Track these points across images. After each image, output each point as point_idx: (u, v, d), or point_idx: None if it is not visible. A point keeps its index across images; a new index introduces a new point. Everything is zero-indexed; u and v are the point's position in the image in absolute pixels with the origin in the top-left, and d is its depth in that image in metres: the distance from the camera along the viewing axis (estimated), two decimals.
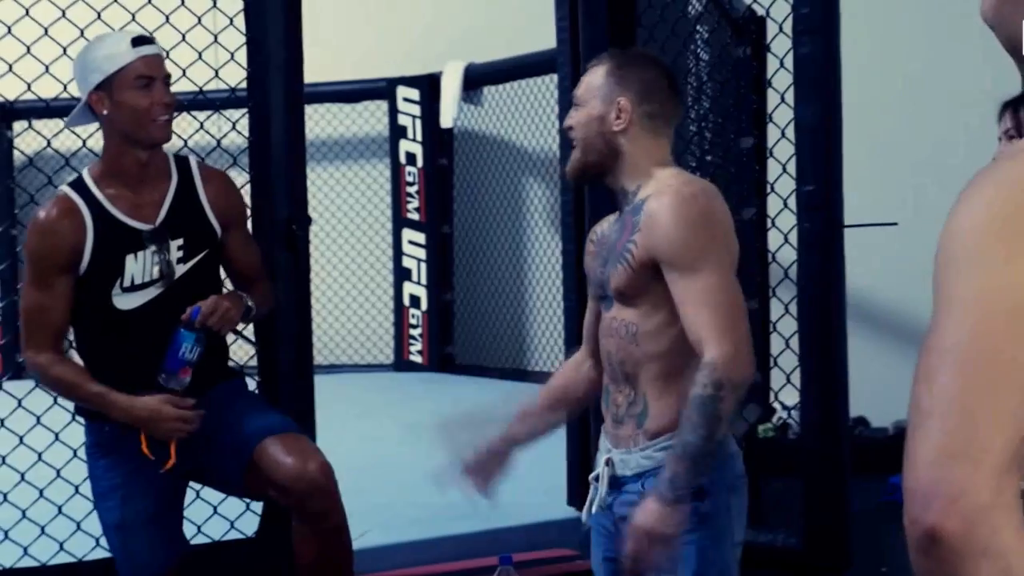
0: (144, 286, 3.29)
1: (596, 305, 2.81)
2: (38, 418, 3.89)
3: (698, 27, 4.75)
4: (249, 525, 3.94)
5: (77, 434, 3.73)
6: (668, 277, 2.54)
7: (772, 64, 4.22)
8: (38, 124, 7.40)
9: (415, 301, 9.50)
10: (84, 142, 3.91)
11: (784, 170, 4.01)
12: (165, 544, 3.39)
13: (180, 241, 3.31)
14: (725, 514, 2.62)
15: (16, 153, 9.17)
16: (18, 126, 9.56)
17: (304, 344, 3.86)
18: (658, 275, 2.56)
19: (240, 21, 3.84)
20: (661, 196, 2.56)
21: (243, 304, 3.31)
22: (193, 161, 3.44)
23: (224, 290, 3.44)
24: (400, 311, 9.57)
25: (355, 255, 9.80)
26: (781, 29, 3.98)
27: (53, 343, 3.30)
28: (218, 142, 4.04)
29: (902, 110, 7.08)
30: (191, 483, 3.52)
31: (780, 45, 4.11)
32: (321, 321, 9.18)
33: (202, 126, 4.09)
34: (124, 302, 3.29)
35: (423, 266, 9.47)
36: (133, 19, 3.80)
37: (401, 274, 9.55)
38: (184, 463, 3.31)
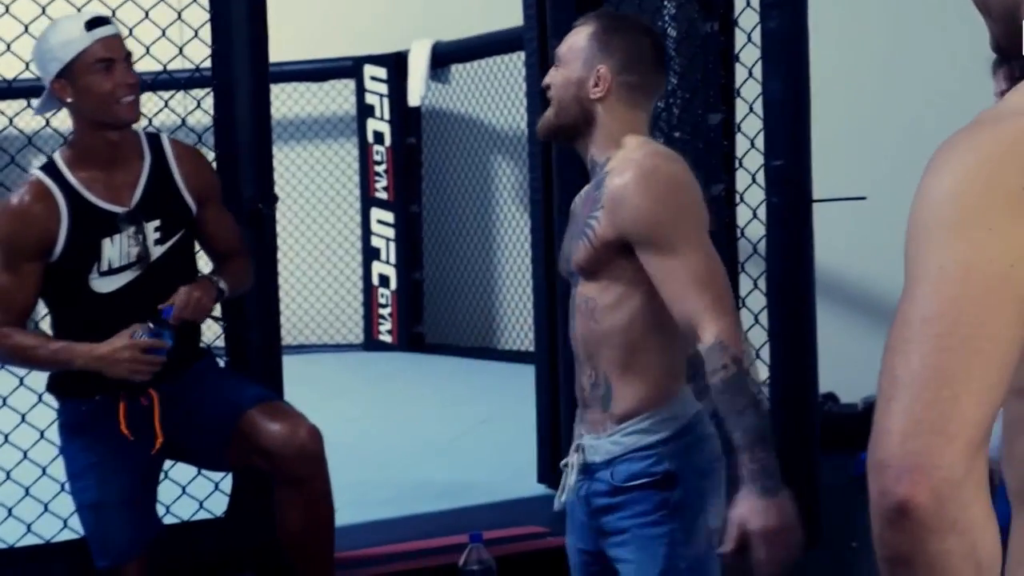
0: (121, 269, 3.26)
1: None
2: (4, 399, 3.86)
3: (665, 2, 4.73)
4: (218, 505, 3.92)
5: (44, 415, 3.70)
6: (642, 257, 2.46)
7: (740, 39, 4.21)
8: (1, 104, 7.31)
9: (384, 280, 9.48)
10: (48, 122, 3.87)
11: (752, 145, 4.00)
12: (140, 524, 3.38)
13: (157, 222, 3.29)
14: (697, 502, 2.53)
15: None
16: None
17: (271, 323, 3.85)
18: (621, 253, 2.49)
19: None
20: (624, 172, 2.49)
21: (215, 290, 3.30)
22: (165, 139, 3.41)
23: (198, 271, 3.42)
24: (369, 290, 9.55)
25: (323, 235, 9.76)
26: (748, 4, 3.97)
27: (16, 320, 3.26)
28: (183, 120, 4.01)
29: (871, 84, 7.08)
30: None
31: (748, 20, 4.10)
32: (290, 301, 9.14)
33: (167, 105, 4.06)
34: (102, 285, 3.26)
35: (392, 245, 9.44)
36: (113, 14, 3.76)
37: (370, 253, 9.52)
38: (164, 441, 3.30)
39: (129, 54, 3.27)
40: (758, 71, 3.92)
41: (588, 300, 2.57)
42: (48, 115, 3.53)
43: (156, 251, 3.29)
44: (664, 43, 2.72)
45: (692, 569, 2.55)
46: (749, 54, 4.09)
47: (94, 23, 3.23)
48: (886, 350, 1.08)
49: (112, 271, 3.26)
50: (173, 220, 3.32)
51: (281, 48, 3.91)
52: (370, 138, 9.45)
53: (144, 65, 3.58)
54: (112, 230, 3.25)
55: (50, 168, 3.27)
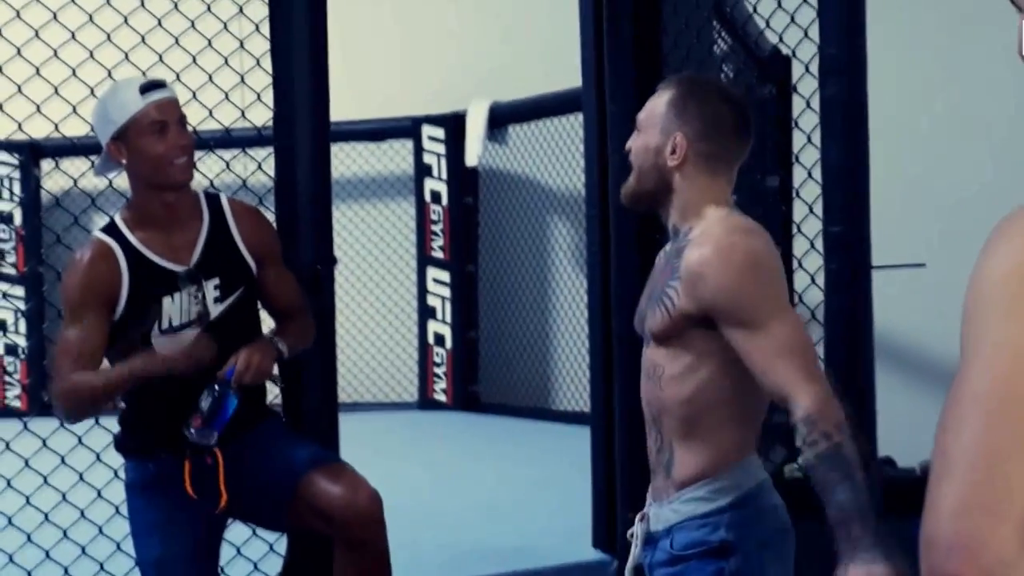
0: (182, 327, 3.29)
1: None
2: (62, 458, 3.89)
3: (724, 67, 4.75)
4: (272, 566, 3.92)
5: (101, 474, 3.73)
6: (727, 332, 2.44)
7: (799, 105, 4.20)
8: (65, 163, 7.44)
9: (439, 339, 9.49)
10: (111, 182, 3.92)
11: (811, 210, 4.00)
12: None
13: (216, 280, 3.33)
14: (756, 573, 2.51)
15: (43, 192, 9.22)
16: (45, 165, 9.61)
17: (329, 385, 3.86)
18: (697, 325, 2.48)
19: (267, 61, 3.85)
20: (702, 246, 2.47)
21: (274, 351, 3.32)
22: (224, 198, 3.45)
23: (260, 330, 3.45)
24: (424, 349, 9.56)
25: (380, 293, 9.80)
26: (807, 69, 3.98)
27: (86, 369, 3.27)
28: (244, 182, 4.05)
29: (928, 149, 7.06)
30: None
31: (806, 85, 4.10)
32: (345, 359, 9.15)
33: (228, 165, 4.10)
34: (163, 343, 3.29)
35: (447, 304, 9.46)
36: (160, 60, 3.82)
37: (426, 312, 9.55)
38: (227, 500, 3.32)
39: (183, 117, 3.33)
40: (816, 136, 3.92)
41: (656, 366, 2.56)
42: (111, 176, 3.58)
43: (216, 309, 3.32)
44: (748, 108, 2.66)
45: None
46: (808, 120, 4.09)
47: (148, 87, 3.28)
48: (939, 427, 1.08)
49: (173, 329, 3.29)
50: (233, 279, 3.35)
51: (341, 107, 3.94)
52: (427, 197, 9.51)
53: (207, 126, 3.63)
54: (172, 288, 3.29)
55: (111, 228, 3.33)
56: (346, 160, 9.55)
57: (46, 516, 3.96)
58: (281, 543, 3.90)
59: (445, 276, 9.46)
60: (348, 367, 9.29)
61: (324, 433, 3.79)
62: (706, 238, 2.49)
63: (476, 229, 9.51)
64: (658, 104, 2.58)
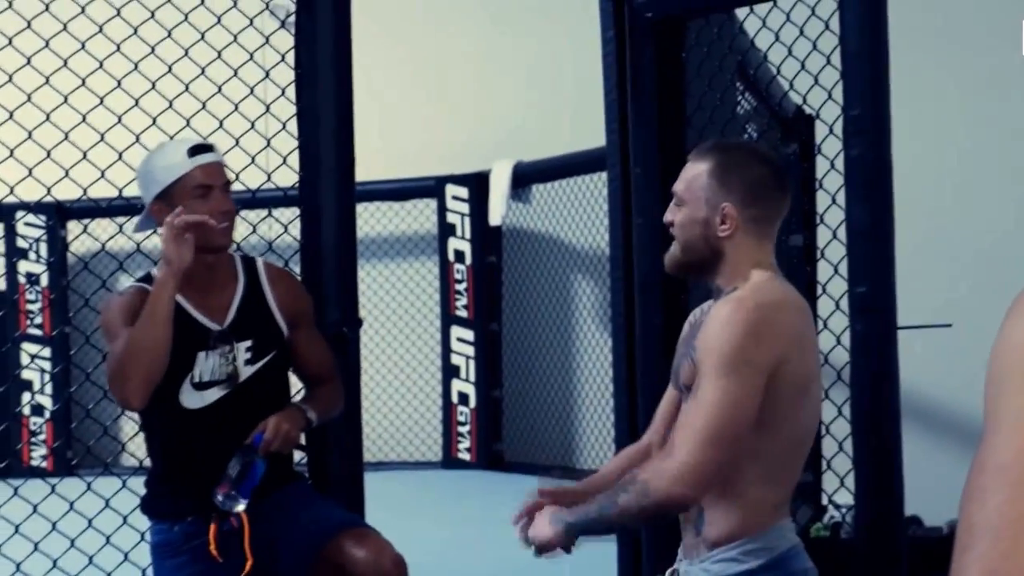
0: (212, 384, 3.31)
1: (673, 393, 2.75)
2: (89, 522, 3.90)
3: (747, 127, 4.77)
4: None
5: (128, 537, 3.73)
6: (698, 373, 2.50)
7: (823, 166, 4.21)
8: (92, 225, 7.49)
9: (463, 398, 9.50)
10: (139, 245, 3.95)
11: (836, 271, 3.99)
12: None
13: (248, 343, 3.35)
14: None
15: (69, 254, 9.29)
16: (72, 227, 9.68)
17: (355, 447, 3.85)
18: None
19: (292, 125, 3.88)
20: (728, 302, 2.50)
21: (303, 420, 3.33)
22: (260, 262, 3.49)
23: (290, 394, 3.46)
24: (448, 408, 9.57)
25: (404, 352, 9.82)
26: (831, 131, 3.99)
27: None
28: (270, 245, 4.07)
29: (953, 207, 7.07)
30: None
31: (830, 146, 4.11)
32: (369, 418, 9.17)
33: (255, 229, 4.12)
34: (191, 400, 3.31)
35: (471, 363, 9.47)
36: (188, 124, 3.85)
37: (449, 371, 9.55)
38: (252, 563, 3.32)
39: (228, 182, 3.37)
40: (841, 197, 3.92)
41: None
42: (142, 236, 3.60)
43: (246, 371, 3.35)
44: (783, 165, 2.70)
45: None
46: (832, 180, 4.10)
47: (197, 150, 3.32)
48: (963, 497, 1.08)
49: (203, 385, 3.31)
50: (265, 342, 3.38)
51: (365, 167, 3.97)
52: (451, 256, 9.54)
53: (233, 187, 3.65)
54: (205, 345, 3.32)
55: (148, 280, 3.34)
56: (370, 220, 9.60)
57: None
58: None
59: (469, 335, 9.48)
60: (372, 426, 9.30)
61: (349, 494, 3.79)
62: (737, 296, 2.51)
63: (500, 288, 9.54)
64: (698, 175, 2.59)
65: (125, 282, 3.78)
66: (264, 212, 4.23)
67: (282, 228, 4.06)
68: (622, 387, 4.82)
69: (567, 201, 9.14)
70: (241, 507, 3.24)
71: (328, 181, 3.80)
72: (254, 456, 3.23)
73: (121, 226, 4.17)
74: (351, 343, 3.79)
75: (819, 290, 4.24)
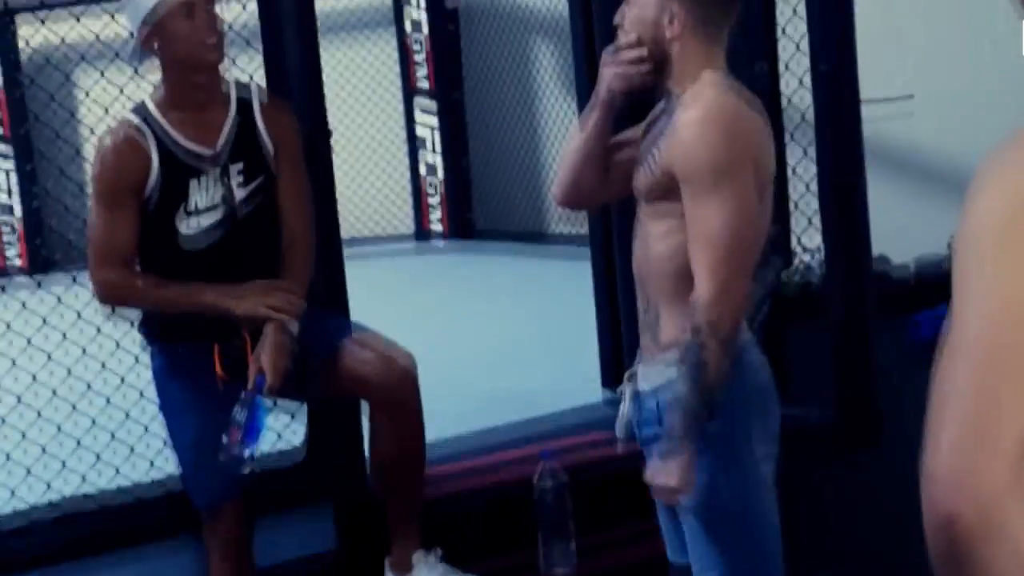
0: (207, 210, 3.34)
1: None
2: (83, 349, 3.92)
3: None
4: (296, 436, 4.00)
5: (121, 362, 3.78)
6: (683, 192, 2.50)
7: None
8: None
9: (431, 169, 9.51)
10: (98, 36, 3.92)
11: (795, 12, 3.99)
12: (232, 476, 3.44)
13: (240, 165, 3.36)
14: (738, 431, 2.58)
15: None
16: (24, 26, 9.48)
17: (334, 266, 3.86)
18: (676, 184, 2.52)
19: None
20: (692, 107, 2.51)
21: (292, 343, 3.32)
22: (255, 87, 3.49)
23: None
24: (417, 180, 9.59)
25: (368, 127, 9.77)
26: None
27: (125, 262, 3.33)
28: (230, 26, 4.02)
29: None
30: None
31: None
32: (339, 196, 9.19)
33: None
34: (187, 227, 3.34)
35: (436, 134, 9.46)
36: None
37: (415, 143, 9.55)
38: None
39: None
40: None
41: (645, 226, 2.63)
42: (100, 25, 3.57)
43: (239, 194, 3.37)
44: None
45: (736, 498, 2.61)
46: None
47: None
48: (936, 372, 1.12)
49: (197, 211, 3.34)
50: (255, 165, 3.39)
51: None
52: (408, 28, 9.43)
53: None
54: (199, 171, 3.34)
55: (140, 110, 3.36)
56: None
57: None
58: (301, 413, 3.97)
59: (432, 106, 9.44)
60: (342, 203, 9.29)
61: (333, 304, 3.82)
62: (697, 98, 2.53)
63: (459, 57, 9.46)
64: None
65: (86, 79, 3.76)
66: None
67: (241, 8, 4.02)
68: None
69: None
70: (247, 457, 3.25)
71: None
72: (258, 400, 3.25)
73: (78, 17, 4.12)
74: (322, 155, 3.78)
75: (779, 32, 4.24)
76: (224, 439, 3.23)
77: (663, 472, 2.50)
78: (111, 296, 3.42)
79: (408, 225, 9.76)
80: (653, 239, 2.61)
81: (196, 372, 3.40)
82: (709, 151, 2.48)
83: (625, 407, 2.71)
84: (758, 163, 2.56)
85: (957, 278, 1.13)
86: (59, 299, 4.01)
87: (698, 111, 2.51)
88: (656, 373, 2.62)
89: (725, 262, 2.47)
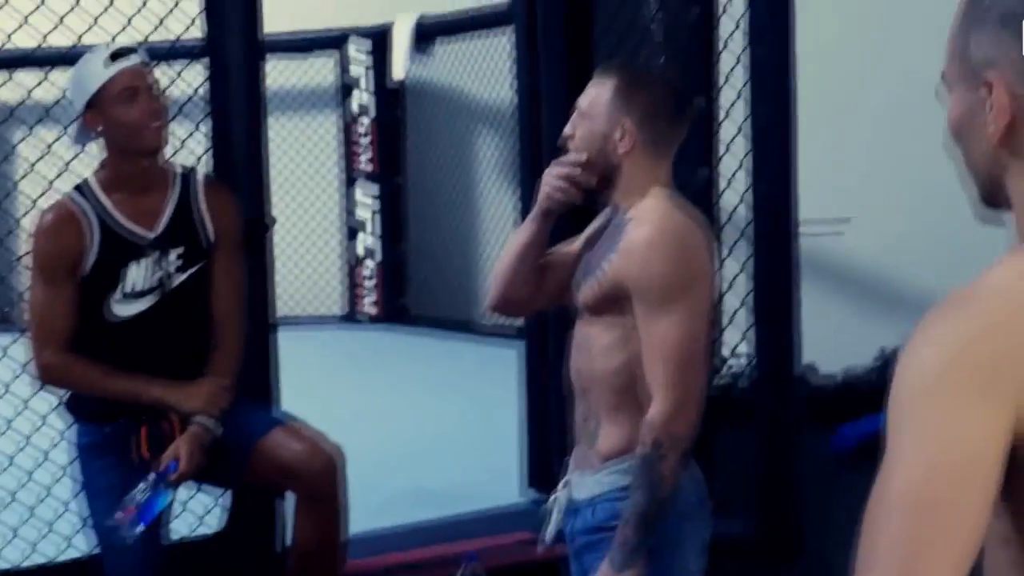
0: (143, 294, 3.34)
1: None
2: (9, 423, 3.88)
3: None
4: (215, 522, 3.97)
5: (46, 438, 3.76)
6: (636, 309, 2.54)
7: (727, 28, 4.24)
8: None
9: (369, 253, 9.53)
10: (29, 93, 3.94)
11: (739, 131, 4.06)
12: (154, 543, 3.43)
13: (179, 250, 3.36)
14: (674, 544, 2.60)
15: None
16: None
17: (267, 350, 3.85)
18: (625, 299, 2.56)
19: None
20: (642, 225, 2.55)
21: (210, 439, 3.32)
22: (199, 171, 3.50)
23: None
24: (353, 263, 9.60)
25: (308, 207, 9.78)
26: None
27: (67, 344, 3.32)
28: (163, 90, 4.01)
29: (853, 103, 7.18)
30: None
31: (738, 7, 4.13)
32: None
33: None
34: (121, 309, 3.33)
35: (376, 218, 9.48)
36: None
37: (353, 226, 9.56)
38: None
39: (155, 82, 3.36)
40: (745, 59, 3.98)
41: (588, 337, 2.64)
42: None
43: (176, 279, 3.37)
44: (686, 92, 2.78)
45: None
46: (737, 43, 4.14)
47: (117, 54, 3.32)
48: (865, 518, 1.15)
49: (134, 295, 3.34)
50: (194, 251, 3.39)
51: (266, 19, 3.93)
52: (354, 110, 9.49)
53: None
54: (137, 254, 3.33)
55: (83, 189, 3.36)
56: (271, 73, 9.44)
57: None
58: (224, 498, 3.92)
59: (373, 190, 9.48)
60: (276, 281, 9.28)
61: (264, 392, 3.82)
62: (648, 215, 2.57)
63: (403, 143, 9.52)
64: (601, 92, 2.65)
65: (19, 134, 3.75)
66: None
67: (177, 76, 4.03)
68: None
69: (470, 57, 9.11)
70: (137, 532, 3.24)
71: (238, 84, 3.79)
72: (163, 485, 3.25)
73: (47, 74, 4.14)
74: (262, 243, 3.79)
75: (723, 150, 4.31)
76: (118, 513, 3.23)
77: None
78: (55, 380, 3.41)
79: (341, 306, 9.74)
80: (598, 352, 2.63)
81: (121, 452, 3.37)
82: (663, 269, 2.52)
83: (559, 515, 2.71)
84: (707, 279, 2.62)
85: (890, 429, 1.17)
86: None
87: (650, 229, 2.55)
88: (594, 482, 2.64)
89: (682, 376, 2.51)
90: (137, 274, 3.33)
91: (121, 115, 3.28)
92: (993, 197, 1.31)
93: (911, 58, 6.99)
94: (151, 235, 3.35)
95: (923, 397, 1.15)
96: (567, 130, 2.70)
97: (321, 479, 3.38)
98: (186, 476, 3.29)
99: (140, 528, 3.25)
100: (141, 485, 3.25)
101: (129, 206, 3.35)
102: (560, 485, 2.73)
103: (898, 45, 7.13)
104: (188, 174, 3.46)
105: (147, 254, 3.34)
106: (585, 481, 2.66)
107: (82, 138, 3.45)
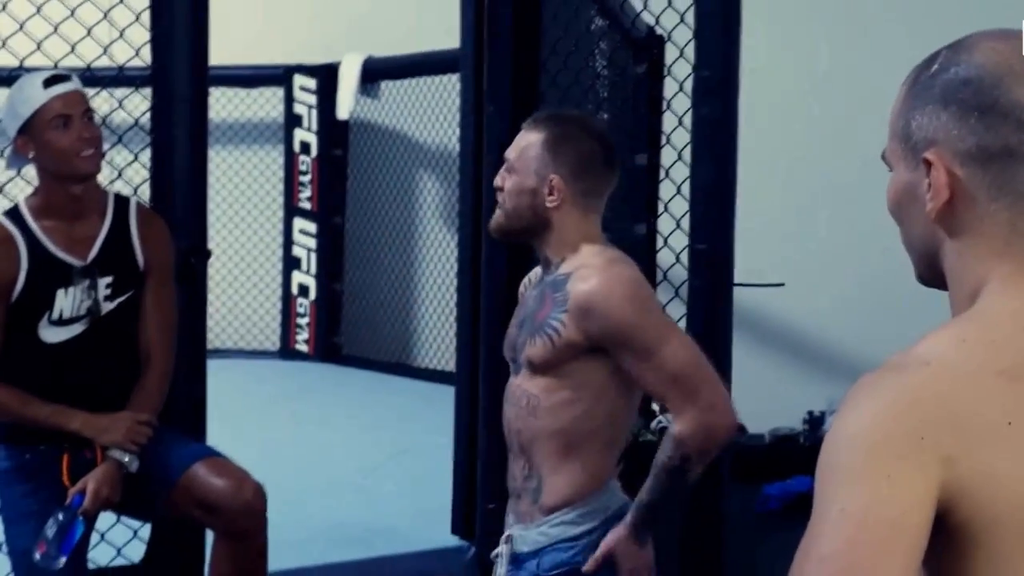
0: (71, 321, 3.31)
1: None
2: None
3: (600, 44, 4.83)
4: (135, 552, 3.91)
5: None
6: (622, 359, 2.52)
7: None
8: None
9: (304, 290, 9.50)
10: None
11: (678, 191, 4.10)
12: (73, 572, 3.38)
13: (109, 279, 3.34)
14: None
15: None
16: None
17: (198, 381, 3.81)
18: (582, 355, 2.55)
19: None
20: (588, 279, 2.53)
21: (120, 475, 3.29)
22: (133, 201, 3.48)
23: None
24: (288, 299, 9.56)
25: (245, 240, 9.76)
26: (682, 53, 4.05)
27: None
28: (104, 120, 3.99)
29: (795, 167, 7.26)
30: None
31: (680, 68, 4.18)
32: (208, 306, 9.11)
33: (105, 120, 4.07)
34: (50, 335, 3.31)
35: (313, 255, 9.47)
36: (38, 12, 3.76)
37: (291, 262, 9.54)
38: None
39: (89, 109, 3.33)
40: (687, 119, 4.02)
41: (530, 396, 2.62)
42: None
43: (106, 307, 3.35)
44: (613, 142, 2.76)
45: None
46: (680, 102, 4.19)
47: (52, 81, 3.29)
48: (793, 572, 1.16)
49: (63, 321, 3.31)
50: (125, 279, 3.37)
51: (213, 51, 3.92)
52: (296, 147, 9.48)
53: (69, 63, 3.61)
54: (67, 281, 3.31)
55: (13, 214, 3.33)
56: (215, 104, 9.44)
57: None
58: (144, 530, 3.88)
59: (312, 227, 9.46)
60: (211, 313, 9.22)
61: (192, 425, 3.77)
62: (589, 271, 2.56)
63: (345, 182, 9.52)
64: (530, 145, 2.65)
65: None
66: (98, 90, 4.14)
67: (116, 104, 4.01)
68: (466, 291, 4.90)
69: (416, 99, 9.14)
70: (60, 565, 3.22)
71: (181, 110, 3.77)
72: (73, 518, 3.23)
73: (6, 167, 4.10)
74: (198, 274, 3.77)
75: (661, 208, 4.34)
76: (36, 552, 3.21)
77: (619, 539, 2.54)
78: None
79: (274, 342, 9.70)
80: (544, 411, 2.60)
81: (42, 479, 3.34)
82: (632, 313, 2.51)
83: (501, 570, 2.69)
84: (658, 305, 2.64)
85: (817, 492, 1.18)
86: None
87: (598, 282, 2.53)
88: (539, 534, 2.63)
89: (702, 388, 2.49)
90: (66, 301, 3.31)
91: (53, 141, 3.26)
92: (930, 274, 1.33)
93: (852, 127, 7.12)
94: (81, 263, 3.33)
95: (847, 465, 1.17)
96: (496, 181, 2.71)
97: (242, 516, 3.35)
98: (90, 511, 3.25)
99: (62, 560, 3.22)
100: (50, 521, 3.24)
101: (60, 233, 3.33)
102: (502, 540, 2.71)
103: (839, 116, 7.24)
104: (123, 202, 3.44)
105: (76, 281, 3.31)
106: (529, 534, 2.64)
107: (15, 163, 3.43)
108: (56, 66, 3.58)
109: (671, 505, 2.53)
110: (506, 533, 2.71)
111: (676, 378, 2.49)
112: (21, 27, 3.75)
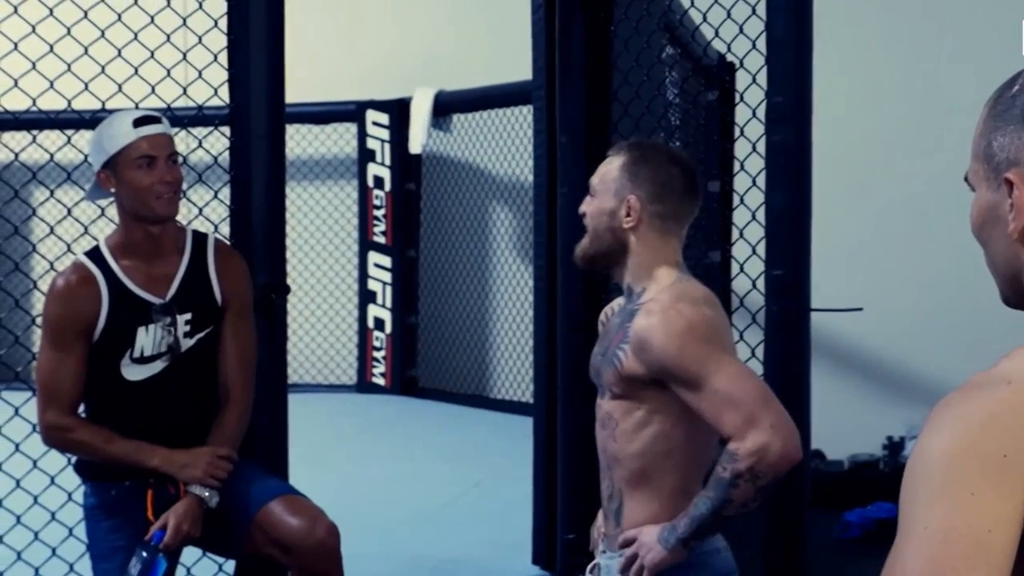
0: (152, 358, 3.37)
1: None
2: (17, 482, 3.88)
3: (671, 72, 4.84)
4: None
5: (56, 497, 3.76)
6: (678, 391, 2.53)
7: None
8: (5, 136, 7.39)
9: (379, 323, 9.55)
10: (52, 156, 3.97)
11: (753, 217, 4.08)
12: None
13: (189, 316, 3.40)
14: None
15: None
16: None
17: (279, 415, 3.84)
18: (647, 385, 2.56)
19: (211, 41, 3.88)
20: (649, 315, 2.55)
21: (200, 510, 3.34)
22: (211, 237, 3.53)
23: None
24: (364, 332, 9.62)
25: (321, 275, 9.85)
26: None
27: (72, 407, 3.35)
28: (184, 158, 4.05)
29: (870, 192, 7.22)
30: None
31: (752, 94, 4.18)
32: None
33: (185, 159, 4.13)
34: (132, 373, 3.37)
35: (388, 289, 9.53)
36: (102, 35, 3.82)
37: (366, 296, 9.61)
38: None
39: (174, 152, 3.39)
40: (761, 145, 4.01)
41: (610, 418, 2.65)
42: (56, 148, 3.61)
43: (186, 343, 3.40)
44: (695, 170, 2.77)
45: None
46: (753, 128, 4.17)
47: (142, 121, 3.36)
48: None
49: (144, 359, 3.37)
50: (203, 315, 3.43)
51: (288, 89, 3.98)
52: (370, 182, 9.56)
53: (151, 103, 3.67)
54: (147, 319, 3.37)
55: (94, 254, 3.40)
56: (290, 142, 9.50)
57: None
58: (229, 564, 3.90)
59: (387, 261, 9.52)
60: (288, 348, 9.30)
61: (274, 454, 3.81)
62: (654, 306, 2.57)
63: (418, 215, 9.58)
64: (611, 169, 2.69)
65: (39, 195, 3.78)
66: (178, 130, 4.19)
67: (197, 143, 4.06)
68: (543, 322, 4.91)
69: (488, 132, 9.19)
70: None
71: (259, 150, 3.81)
72: (155, 555, 3.28)
73: (35, 137, 4.18)
74: (278, 309, 3.81)
75: (737, 234, 4.34)
76: None
77: (647, 541, 2.55)
78: (58, 442, 3.41)
79: (351, 376, 9.76)
80: (620, 433, 2.63)
81: (127, 514, 3.39)
82: (682, 348, 2.50)
83: None
84: (724, 341, 2.59)
85: (902, 511, 1.19)
86: None
87: (657, 318, 2.54)
88: (619, 568, 2.62)
89: (756, 410, 2.46)
90: (146, 339, 3.37)
91: (135, 180, 3.33)
92: (1015, 296, 1.33)
93: (928, 147, 7.08)
94: (161, 300, 3.39)
95: (932, 483, 1.17)
96: (581, 208, 2.74)
97: (316, 555, 3.36)
98: (171, 546, 3.29)
99: None
100: (134, 559, 3.29)
101: (140, 271, 3.39)
102: (588, 568, 2.73)
103: (915, 135, 7.20)
104: (201, 238, 3.50)
105: (156, 319, 3.37)
106: (612, 564, 2.65)
107: (95, 195, 3.49)
108: (137, 107, 3.64)
109: (715, 520, 2.48)
110: (593, 562, 2.73)
111: (730, 405, 2.46)
112: (103, 69, 3.81)
